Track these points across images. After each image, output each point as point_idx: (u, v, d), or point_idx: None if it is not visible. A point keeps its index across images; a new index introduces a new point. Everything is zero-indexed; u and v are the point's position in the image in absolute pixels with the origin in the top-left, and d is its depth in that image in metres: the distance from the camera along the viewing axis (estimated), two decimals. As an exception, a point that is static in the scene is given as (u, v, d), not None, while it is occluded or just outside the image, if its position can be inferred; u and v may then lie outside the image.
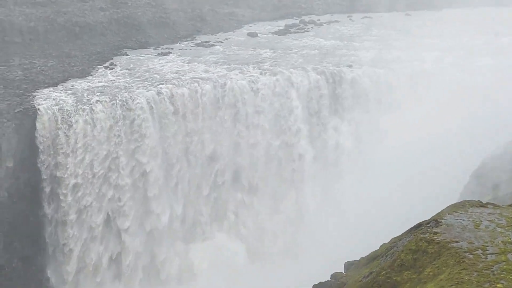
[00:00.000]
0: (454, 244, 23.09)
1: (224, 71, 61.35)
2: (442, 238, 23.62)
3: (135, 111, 53.60)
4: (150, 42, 72.88)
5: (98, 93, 54.80)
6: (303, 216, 59.33)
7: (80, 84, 57.23)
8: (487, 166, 46.88)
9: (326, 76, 61.18)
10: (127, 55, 67.45)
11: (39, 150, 51.46)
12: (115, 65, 63.16)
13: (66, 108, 52.38)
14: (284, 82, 59.76)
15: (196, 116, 56.46)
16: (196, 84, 57.43)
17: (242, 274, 55.93)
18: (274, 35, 79.23)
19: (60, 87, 56.55)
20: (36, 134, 51.32)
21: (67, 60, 63.32)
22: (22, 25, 64.86)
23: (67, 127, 51.69)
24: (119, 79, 58.94)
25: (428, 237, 23.95)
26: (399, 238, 26.78)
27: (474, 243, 23.02)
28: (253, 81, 59.27)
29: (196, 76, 59.63)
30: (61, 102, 53.16)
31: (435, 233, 24.10)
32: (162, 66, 63.09)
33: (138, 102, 53.83)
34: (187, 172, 56.71)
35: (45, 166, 51.64)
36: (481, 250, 22.59)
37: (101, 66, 62.83)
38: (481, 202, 27.89)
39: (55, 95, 54.43)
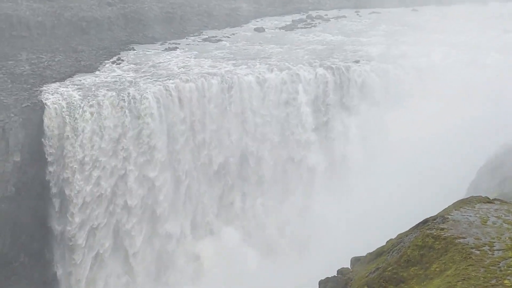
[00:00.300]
0: (461, 240, 23.07)
1: (231, 66, 61.37)
2: (449, 234, 23.59)
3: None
4: (157, 37, 72.91)
5: (106, 88, 54.91)
6: (310, 211, 59.24)
7: (88, 79, 57.33)
8: (494, 163, 46.75)
9: (333, 71, 61.10)
10: (134, 50, 67.52)
11: (47, 145, 51.62)
12: (122, 60, 63.23)
13: (73, 103, 52.50)
14: (291, 78, 59.82)
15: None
16: (203, 79, 57.54)
17: (249, 270, 55.94)
18: (281, 30, 79.16)
19: (67, 82, 56.68)
20: (43, 128, 51.46)
21: (74, 55, 63.43)
22: (30, 20, 64.95)
23: (74, 121, 51.91)
24: (127, 74, 59.03)
25: (435, 233, 23.92)
26: (406, 234, 26.76)
27: (481, 239, 22.99)
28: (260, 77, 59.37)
29: (203, 71, 59.64)
30: (68, 97, 53.28)
31: (442, 229, 24.07)
32: (169, 61, 63.13)
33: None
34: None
35: (53, 159, 52.02)
36: (488, 246, 22.57)
37: (108, 61, 62.95)
38: (488, 198, 27.85)
39: (63, 90, 54.56)
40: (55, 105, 52.06)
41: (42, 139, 51.56)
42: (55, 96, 53.22)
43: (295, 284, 49.12)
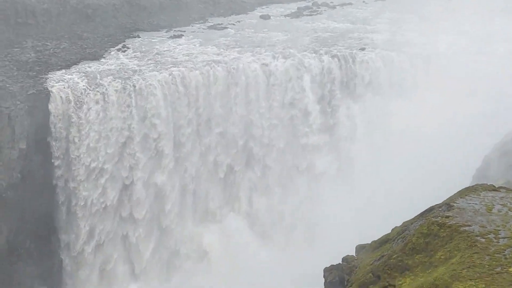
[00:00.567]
0: (466, 228, 23.10)
1: (236, 53, 61.27)
2: (454, 222, 23.63)
3: None
4: (162, 24, 72.78)
5: (111, 76, 54.93)
6: (315, 199, 59.22)
7: (93, 67, 57.33)
8: (500, 151, 46.72)
9: (338, 59, 60.90)
10: (139, 37, 67.44)
11: (52, 132, 51.74)
12: (128, 48, 63.14)
13: (79, 90, 52.56)
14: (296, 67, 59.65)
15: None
16: (208, 67, 57.52)
17: (253, 257, 56.07)
18: (287, 17, 78.98)
19: (73, 69, 56.69)
20: (49, 116, 51.54)
21: (80, 42, 63.41)
22: (35, 7, 64.85)
23: (79, 109, 52.03)
24: (132, 61, 59.01)
25: (440, 221, 23.96)
26: (411, 221, 26.81)
27: (486, 227, 23.02)
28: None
29: (208, 58, 59.56)
30: (74, 84, 53.32)
31: (447, 216, 24.11)
32: (174, 49, 63.04)
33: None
34: None
35: (58, 148, 52.10)
36: (493, 234, 22.60)
37: (114, 49, 62.88)
38: (493, 186, 27.85)
39: (68, 77, 54.57)
40: (61, 93, 52.08)
41: (48, 126, 51.65)
42: (61, 83, 53.24)
43: (301, 272, 49.39)
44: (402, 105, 57.65)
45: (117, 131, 53.19)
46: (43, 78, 54.13)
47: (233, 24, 74.39)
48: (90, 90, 52.84)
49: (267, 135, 58.98)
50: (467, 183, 38.17)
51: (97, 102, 52.47)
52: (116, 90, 53.26)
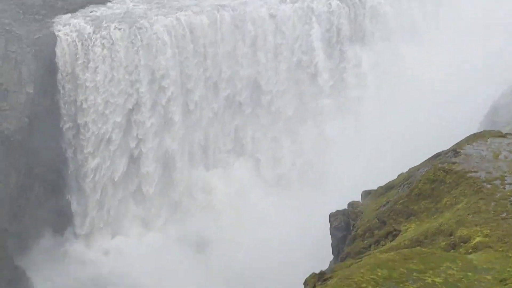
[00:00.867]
0: (472, 174, 23.16)
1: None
2: (460, 168, 23.67)
3: None
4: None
5: (117, 21, 54.55)
6: (321, 144, 59.08)
7: (99, 11, 56.78)
8: (508, 97, 46.41)
9: (347, 3, 59.96)
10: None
11: (59, 76, 51.76)
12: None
13: (85, 34, 52.37)
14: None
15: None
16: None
17: (259, 201, 56.40)
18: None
19: (79, 13, 56.14)
20: (55, 60, 51.44)
21: (86, -14, 62.66)
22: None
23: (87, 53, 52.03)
24: (137, 5, 58.40)
25: (447, 167, 24.01)
26: (417, 167, 26.87)
27: (492, 173, 23.06)
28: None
29: (215, 2, 58.80)
30: (80, 28, 53.04)
31: (454, 163, 24.15)
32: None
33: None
34: None
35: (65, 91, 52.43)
36: (499, 180, 22.66)
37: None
38: (501, 132, 27.79)
39: (75, 22, 54.13)
40: (67, 37, 51.83)
41: (55, 71, 51.68)
42: (67, 27, 52.92)
43: (306, 217, 49.76)
44: (411, 51, 57.03)
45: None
46: (49, 22, 53.71)
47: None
48: (96, 33, 52.63)
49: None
50: (474, 129, 38.07)
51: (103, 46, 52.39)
52: (121, 36, 53.10)
